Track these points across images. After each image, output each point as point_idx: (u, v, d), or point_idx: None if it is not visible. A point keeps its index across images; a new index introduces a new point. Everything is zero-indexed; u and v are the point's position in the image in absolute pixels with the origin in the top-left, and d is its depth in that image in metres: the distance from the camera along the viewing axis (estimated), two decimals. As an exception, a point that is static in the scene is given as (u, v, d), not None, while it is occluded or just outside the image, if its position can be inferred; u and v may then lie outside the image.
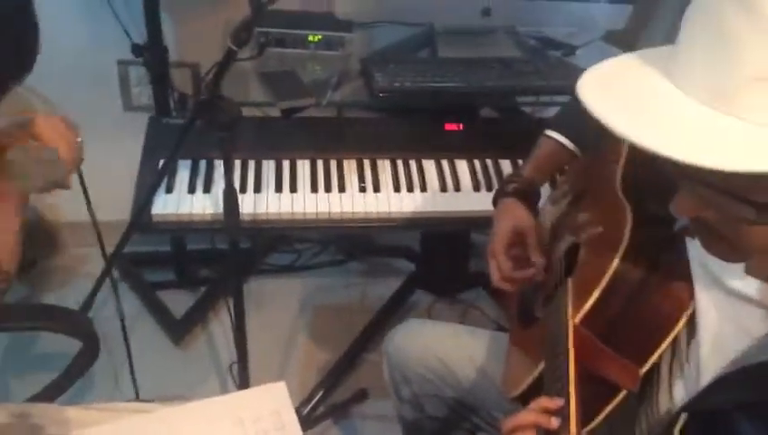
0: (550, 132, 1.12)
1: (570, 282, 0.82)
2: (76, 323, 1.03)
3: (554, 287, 0.94)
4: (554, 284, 0.96)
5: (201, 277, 2.05)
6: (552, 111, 1.54)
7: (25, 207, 0.83)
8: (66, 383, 1.04)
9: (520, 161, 1.43)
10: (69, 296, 1.93)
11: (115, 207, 1.94)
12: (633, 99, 0.59)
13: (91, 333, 1.03)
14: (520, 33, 1.62)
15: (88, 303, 1.66)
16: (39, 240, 2.04)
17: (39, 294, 1.95)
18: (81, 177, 0.84)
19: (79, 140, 0.79)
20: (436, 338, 1.19)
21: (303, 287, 2.08)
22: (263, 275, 2.08)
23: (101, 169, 1.78)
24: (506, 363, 1.00)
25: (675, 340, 0.74)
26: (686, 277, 0.74)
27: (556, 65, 1.53)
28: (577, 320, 0.76)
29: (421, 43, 1.60)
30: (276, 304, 2.00)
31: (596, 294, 0.77)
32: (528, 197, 1.07)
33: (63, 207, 1.99)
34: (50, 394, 1.05)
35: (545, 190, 1.15)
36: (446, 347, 1.16)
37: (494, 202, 1.10)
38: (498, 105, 1.61)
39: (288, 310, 1.99)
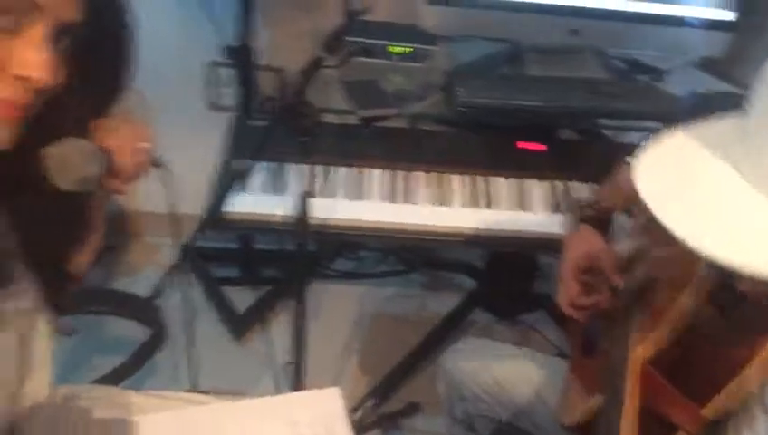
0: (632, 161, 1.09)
1: (638, 316, 0.79)
2: (146, 310, 1.06)
3: (622, 320, 0.91)
4: (622, 316, 0.93)
5: (265, 276, 2.09)
6: (634, 137, 1.50)
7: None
8: (132, 368, 1.08)
9: (596, 186, 1.40)
10: (139, 283, 2.01)
11: (192, 201, 2.02)
12: (699, 200, 0.54)
13: (159, 322, 1.06)
14: (608, 54, 1.58)
15: (157, 292, 1.72)
16: (118, 227, 2.13)
17: (113, 279, 2.03)
18: (161, 170, 0.86)
19: (144, 145, 0.79)
20: (495, 358, 1.17)
21: (363, 295, 2.09)
22: (324, 279, 2.10)
23: (183, 164, 1.86)
24: (564, 391, 0.99)
25: (744, 385, 0.70)
26: (762, 321, 0.70)
27: (643, 89, 1.49)
28: (642, 355, 0.74)
29: (506, 60, 1.58)
30: (335, 308, 2.02)
31: (664, 330, 0.74)
32: (602, 224, 1.04)
33: (141, 196, 2.08)
34: (115, 377, 1.08)
35: (621, 220, 1.11)
36: (505, 368, 1.15)
37: (568, 226, 1.08)
38: (579, 127, 1.57)
39: (346, 316, 2.00)
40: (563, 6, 1.44)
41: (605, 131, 1.57)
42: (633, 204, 1.23)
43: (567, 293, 0.98)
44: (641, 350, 0.74)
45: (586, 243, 1.02)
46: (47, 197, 0.70)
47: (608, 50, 1.58)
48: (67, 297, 0.84)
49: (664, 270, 0.87)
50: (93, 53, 0.64)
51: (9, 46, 0.56)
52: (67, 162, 0.69)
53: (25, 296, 0.74)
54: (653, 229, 0.99)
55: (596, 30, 1.45)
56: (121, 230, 2.14)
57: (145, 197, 2.08)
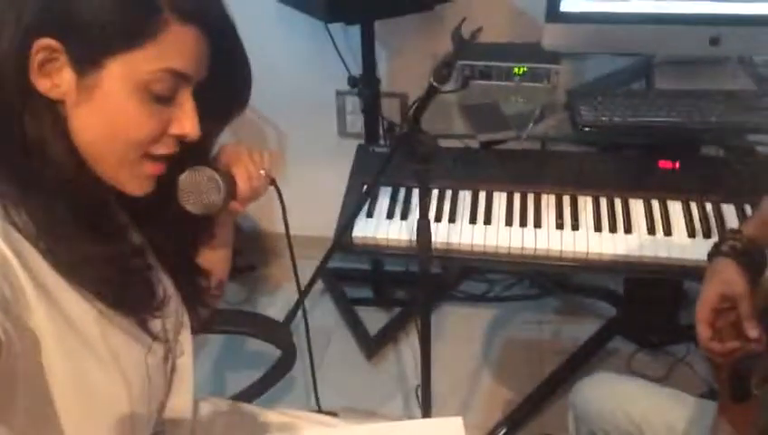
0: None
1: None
2: (277, 333, 1.12)
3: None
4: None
5: (396, 298, 2.13)
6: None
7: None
8: (263, 387, 1.14)
9: (747, 207, 1.27)
10: (278, 302, 2.13)
11: (323, 223, 2.11)
12: None
13: (290, 345, 1.11)
14: (755, 63, 1.44)
15: (292, 313, 1.81)
16: (259, 248, 2.27)
17: (254, 298, 2.17)
18: (280, 196, 0.90)
19: (262, 172, 0.84)
20: (631, 396, 1.09)
21: (494, 318, 2.05)
22: (454, 301, 2.10)
23: (314, 189, 1.96)
24: (712, 435, 0.89)
25: None
26: None
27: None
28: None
29: (635, 75, 1.50)
30: (466, 332, 2.00)
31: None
32: (747, 259, 0.93)
33: (279, 219, 2.21)
34: (248, 395, 1.15)
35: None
36: (642, 408, 1.06)
37: (709, 259, 0.98)
38: (724, 143, 1.44)
39: (477, 340, 1.98)
40: (701, 14, 1.34)
41: (757, 148, 1.43)
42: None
43: (700, 336, 0.90)
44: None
45: (723, 283, 0.92)
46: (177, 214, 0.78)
47: (755, 58, 1.44)
48: (210, 312, 0.91)
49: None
50: (214, 89, 0.71)
51: (167, 112, 0.67)
52: (197, 190, 0.77)
53: (173, 315, 0.82)
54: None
55: (739, 36, 1.33)
56: (263, 252, 2.29)
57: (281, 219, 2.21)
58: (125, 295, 0.70)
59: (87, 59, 0.61)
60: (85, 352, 0.67)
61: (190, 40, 0.65)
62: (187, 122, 0.68)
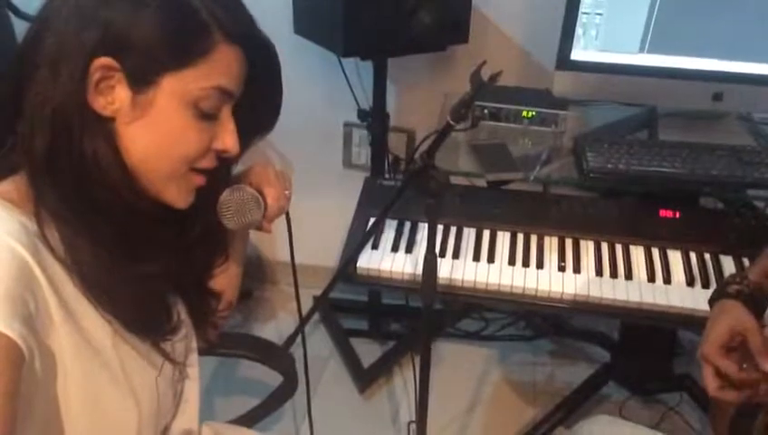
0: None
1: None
2: (280, 358, 1.12)
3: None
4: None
5: (392, 331, 2.12)
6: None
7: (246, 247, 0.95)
8: (262, 413, 1.14)
9: (746, 260, 1.30)
10: (273, 329, 2.13)
11: (324, 253, 2.13)
12: None
13: (292, 371, 1.12)
14: (755, 120, 1.49)
15: (290, 340, 1.80)
16: (256, 274, 2.28)
17: (249, 323, 2.16)
18: (288, 222, 0.91)
19: (287, 192, 0.87)
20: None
21: (488, 358, 2.05)
22: (449, 338, 2.10)
23: (317, 218, 1.98)
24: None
25: None
26: None
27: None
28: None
29: (639, 125, 1.54)
30: (460, 369, 2.00)
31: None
32: (753, 303, 0.95)
33: (280, 247, 2.22)
34: (246, 421, 1.15)
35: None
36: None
37: (711, 303, 1.00)
38: (724, 196, 1.47)
39: (470, 378, 1.98)
40: (705, 71, 1.38)
41: (756, 202, 1.46)
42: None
43: (716, 374, 0.89)
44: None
45: (730, 317, 0.92)
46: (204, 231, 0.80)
47: (756, 115, 1.48)
48: (215, 332, 0.92)
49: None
50: (246, 109, 0.74)
51: (211, 129, 0.69)
52: (240, 207, 0.80)
53: (183, 339, 0.82)
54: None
55: (741, 94, 1.37)
56: (260, 278, 2.29)
57: (281, 246, 2.22)
58: (145, 317, 0.71)
59: (143, 77, 0.63)
60: (101, 371, 0.68)
61: (235, 59, 0.68)
62: (228, 138, 0.71)
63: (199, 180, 0.72)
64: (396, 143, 1.93)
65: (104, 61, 0.62)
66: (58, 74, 0.61)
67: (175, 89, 0.65)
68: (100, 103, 0.63)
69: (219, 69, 0.66)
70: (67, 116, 0.62)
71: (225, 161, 0.74)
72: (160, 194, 0.70)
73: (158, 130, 0.66)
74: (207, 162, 0.71)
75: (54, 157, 0.63)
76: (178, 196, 0.71)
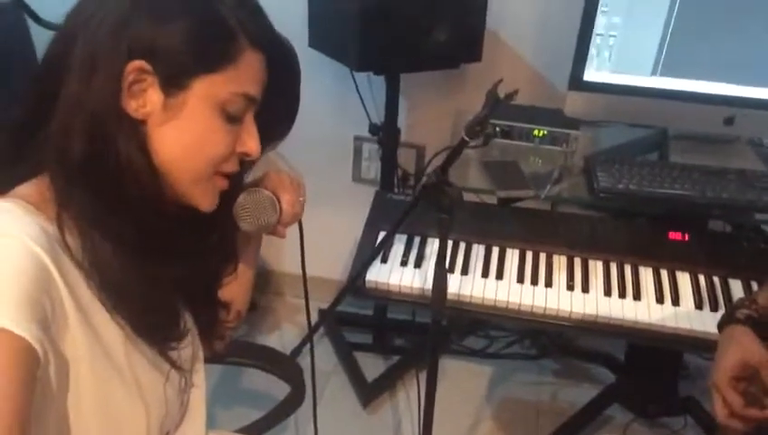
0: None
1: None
2: (288, 368, 1.13)
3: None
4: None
5: (396, 346, 2.12)
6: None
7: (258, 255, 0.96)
8: (268, 424, 1.14)
9: (754, 284, 1.30)
10: (278, 340, 2.13)
11: (332, 266, 2.13)
12: None
13: (300, 382, 1.12)
14: (766, 145, 1.49)
15: (296, 351, 1.80)
16: (262, 285, 2.28)
17: (254, 334, 2.16)
18: (300, 230, 0.92)
19: (302, 199, 0.88)
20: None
21: (492, 375, 2.05)
22: (453, 355, 2.09)
23: (323, 231, 1.98)
24: None
25: None
26: None
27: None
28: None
29: (650, 146, 1.54)
30: (463, 386, 1.99)
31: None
32: (762, 328, 0.95)
33: (286, 258, 2.22)
34: (252, 431, 1.15)
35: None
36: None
37: (720, 328, 1.00)
38: (733, 219, 1.48)
39: (473, 395, 1.97)
40: (717, 95, 1.39)
41: (764, 227, 1.46)
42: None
43: (725, 404, 0.89)
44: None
45: (741, 348, 0.92)
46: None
47: (766, 141, 1.49)
48: (224, 344, 0.92)
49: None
50: (263, 115, 0.75)
51: (236, 132, 0.71)
52: (257, 209, 0.81)
53: (190, 347, 0.83)
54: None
55: (753, 118, 1.38)
56: (266, 290, 2.29)
57: (288, 258, 2.23)
58: (155, 321, 0.71)
59: (175, 80, 0.65)
60: (113, 375, 0.68)
61: (258, 64, 0.70)
62: (251, 142, 0.72)
63: (223, 184, 0.74)
64: (405, 159, 1.94)
65: (138, 64, 0.63)
66: (92, 79, 0.63)
67: (205, 92, 0.66)
68: (133, 106, 0.65)
69: (246, 74, 0.68)
70: (103, 120, 0.63)
71: (243, 166, 0.76)
72: (187, 197, 0.71)
73: (187, 131, 0.67)
74: (231, 166, 0.73)
75: (91, 160, 0.64)
76: (204, 198, 0.72)
